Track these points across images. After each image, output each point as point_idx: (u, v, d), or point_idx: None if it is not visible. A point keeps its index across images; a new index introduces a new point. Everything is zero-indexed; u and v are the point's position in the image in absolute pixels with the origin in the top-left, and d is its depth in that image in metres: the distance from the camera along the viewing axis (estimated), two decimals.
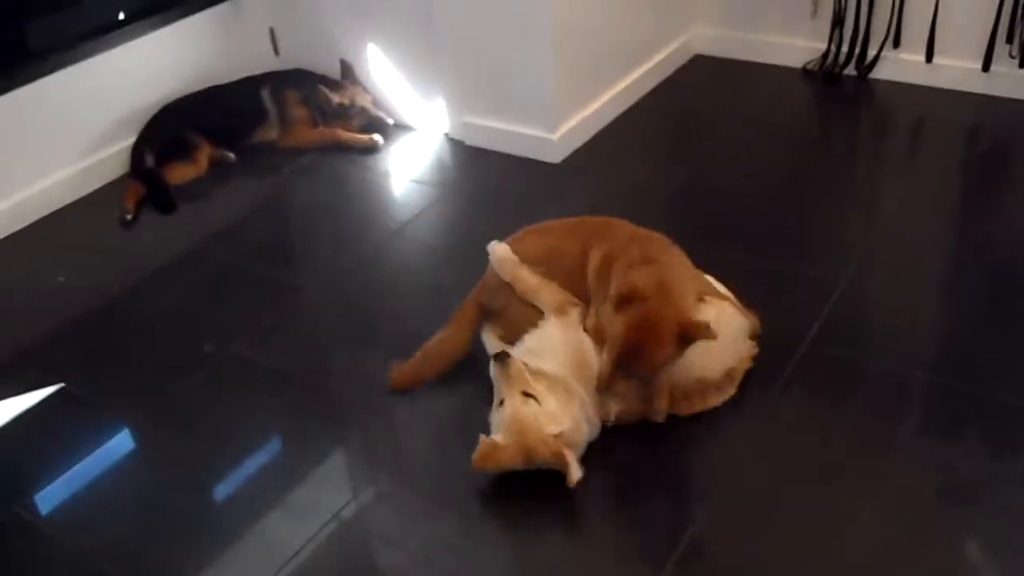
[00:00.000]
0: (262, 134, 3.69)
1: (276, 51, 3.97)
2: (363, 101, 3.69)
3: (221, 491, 2.25)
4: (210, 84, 3.75)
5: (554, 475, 2.04)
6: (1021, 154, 3.27)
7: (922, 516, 1.96)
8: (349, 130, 3.66)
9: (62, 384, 2.57)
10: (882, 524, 1.93)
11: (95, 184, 3.52)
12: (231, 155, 3.61)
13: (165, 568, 2.03)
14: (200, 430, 2.39)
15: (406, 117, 3.73)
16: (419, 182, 3.41)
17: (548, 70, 3.22)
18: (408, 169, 3.49)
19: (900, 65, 3.61)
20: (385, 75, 3.71)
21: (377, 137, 3.63)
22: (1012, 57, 3.37)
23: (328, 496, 2.15)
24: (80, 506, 2.24)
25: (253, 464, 2.30)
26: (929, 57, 3.53)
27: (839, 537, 1.92)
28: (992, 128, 3.40)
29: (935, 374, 2.30)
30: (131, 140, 3.55)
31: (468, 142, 3.54)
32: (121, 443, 2.42)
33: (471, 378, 2.35)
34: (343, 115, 3.67)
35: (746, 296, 2.36)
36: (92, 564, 2.06)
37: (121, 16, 3.55)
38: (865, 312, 2.57)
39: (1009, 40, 3.35)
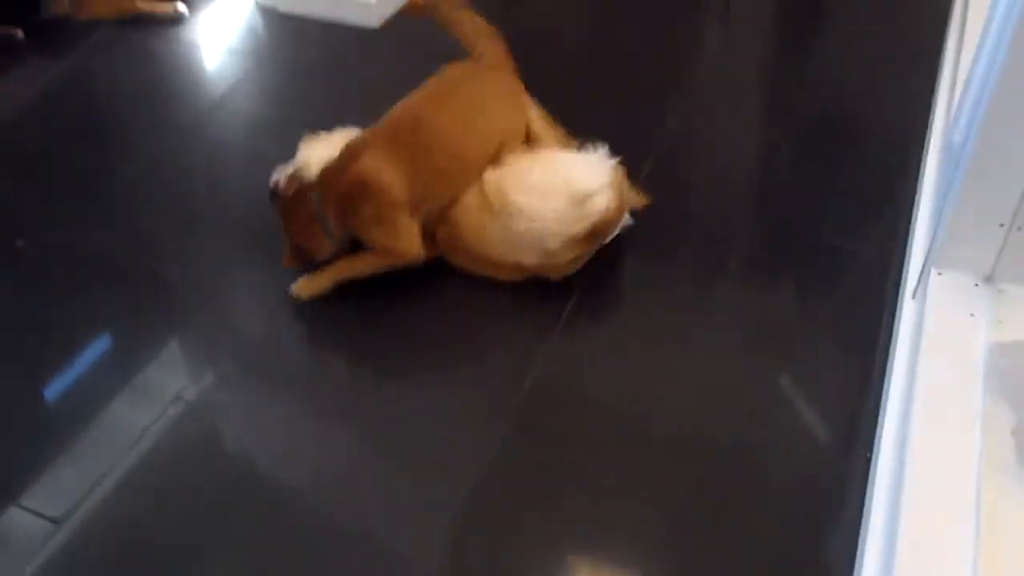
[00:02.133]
0: (52, 7, 3.38)
1: None
2: None
3: (60, 383, 2.20)
4: None
5: (397, 345, 2.10)
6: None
7: (737, 357, 2.12)
8: None
9: None
10: (699, 367, 2.10)
11: None
12: (18, 32, 3.32)
13: (11, 466, 1.99)
14: (29, 325, 2.31)
15: None
16: (232, 52, 3.26)
17: None
18: (219, 40, 3.33)
19: None
20: None
21: (181, 6, 3.41)
22: None
23: (170, 379, 2.16)
24: None
25: (90, 354, 2.26)
26: None
27: (670, 382, 2.08)
28: None
29: (752, 218, 2.46)
30: None
31: (281, 8, 3.38)
32: None
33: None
34: None
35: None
36: None
37: None
38: (687, 160, 2.68)
39: None
